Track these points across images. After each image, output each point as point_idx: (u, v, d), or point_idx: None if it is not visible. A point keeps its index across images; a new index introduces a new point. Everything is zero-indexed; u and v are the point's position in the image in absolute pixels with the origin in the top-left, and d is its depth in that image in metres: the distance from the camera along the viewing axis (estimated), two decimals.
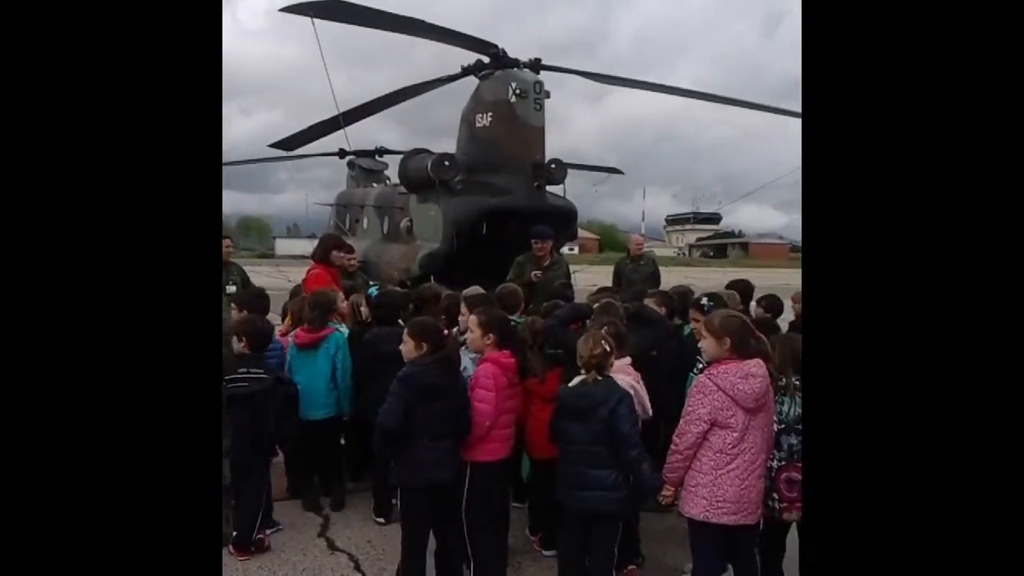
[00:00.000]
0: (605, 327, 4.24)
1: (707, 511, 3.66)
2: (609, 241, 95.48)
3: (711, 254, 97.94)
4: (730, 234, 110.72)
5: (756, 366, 3.68)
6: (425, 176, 9.68)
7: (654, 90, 11.84)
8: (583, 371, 3.88)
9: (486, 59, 9.69)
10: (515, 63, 9.58)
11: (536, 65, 9.71)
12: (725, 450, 3.64)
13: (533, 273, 7.76)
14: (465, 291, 5.82)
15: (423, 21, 8.83)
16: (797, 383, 3.96)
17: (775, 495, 3.92)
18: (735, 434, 3.63)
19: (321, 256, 7.39)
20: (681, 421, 3.77)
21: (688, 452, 3.70)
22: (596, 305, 5.11)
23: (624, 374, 4.11)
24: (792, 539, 4.20)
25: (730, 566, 4.01)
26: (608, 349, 3.85)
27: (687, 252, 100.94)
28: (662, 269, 10.24)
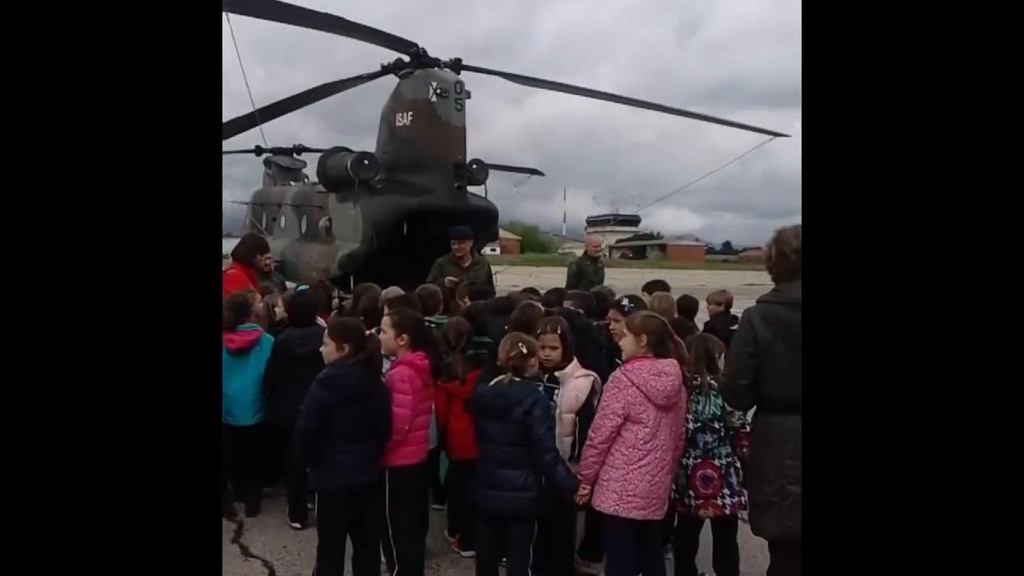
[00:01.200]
0: (554, 327, 4.26)
1: (617, 505, 3.71)
2: (531, 242, 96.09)
3: (631, 255, 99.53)
4: (649, 236, 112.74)
5: (670, 365, 3.76)
6: (344, 175, 9.54)
7: (574, 92, 11.97)
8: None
9: (406, 58, 9.62)
10: (436, 63, 9.54)
11: (457, 65, 9.69)
12: (637, 445, 3.70)
13: (448, 279, 7.72)
14: (384, 292, 5.76)
15: (341, 18, 8.70)
16: (712, 383, 4.05)
17: (691, 492, 4.00)
18: (647, 430, 3.70)
19: (244, 257, 7.18)
20: (596, 416, 3.83)
21: (603, 446, 3.75)
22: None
23: (583, 376, 4.17)
24: (705, 535, 4.30)
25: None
26: (525, 351, 3.87)
27: (608, 253, 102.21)
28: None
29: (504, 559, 4.03)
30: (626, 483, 3.70)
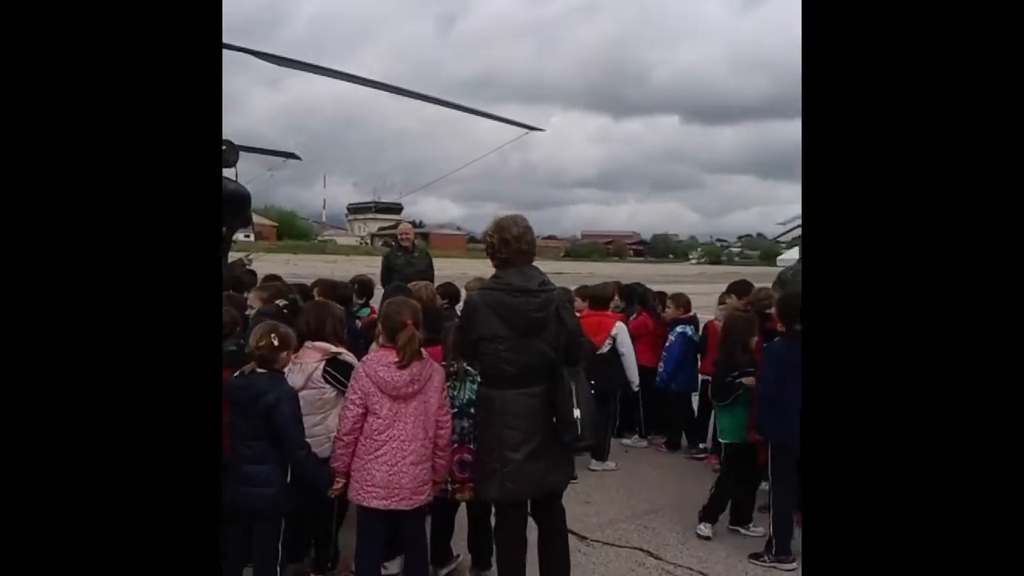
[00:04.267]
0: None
1: (358, 494, 3.72)
2: (288, 228, 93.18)
3: (392, 244, 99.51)
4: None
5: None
6: None
7: (332, 76, 11.70)
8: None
9: None
10: None
11: None
12: (372, 435, 3.70)
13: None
14: None
15: None
16: (468, 369, 4.12)
17: (448, 476, 4.05)
18: (380, 420, 3.70)
19: None
20: (341, 408, 3.82)
21: (348, 438, 3.72)
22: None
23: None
24: (460, 517, 4.40)
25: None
26: (276, 343, 3.73)
27: (369, 241, 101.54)
28: (344, 259, 10.11)
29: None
30: (365, 472, 3.69)
